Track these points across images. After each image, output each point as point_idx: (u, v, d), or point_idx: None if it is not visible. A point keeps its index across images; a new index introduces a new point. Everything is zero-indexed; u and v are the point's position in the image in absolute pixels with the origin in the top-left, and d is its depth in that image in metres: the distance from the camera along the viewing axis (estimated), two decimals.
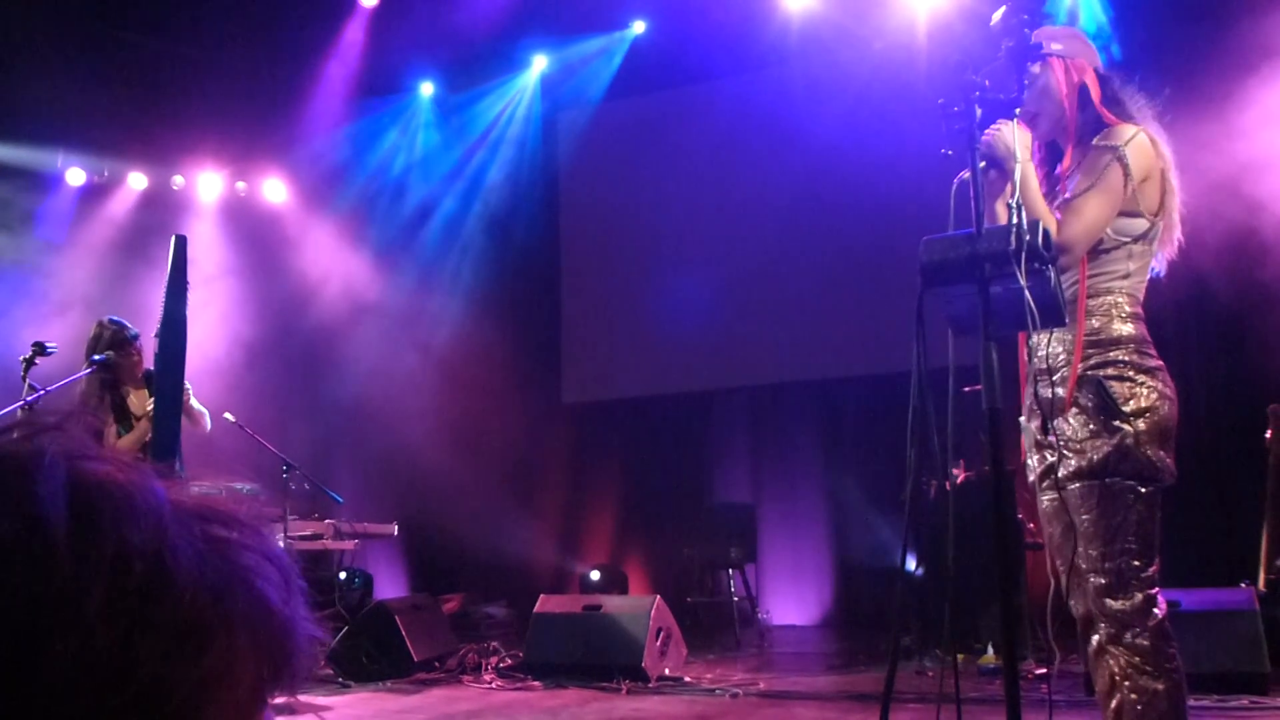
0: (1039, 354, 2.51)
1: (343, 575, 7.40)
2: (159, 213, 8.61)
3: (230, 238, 8.98)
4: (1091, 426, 2.40)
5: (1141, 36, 6.67)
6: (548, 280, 9.48)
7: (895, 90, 7.22)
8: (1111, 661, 2.36)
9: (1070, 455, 2.43)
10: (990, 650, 5.47)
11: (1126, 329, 2.44)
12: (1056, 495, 2.52)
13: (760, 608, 7.90)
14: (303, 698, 4.99)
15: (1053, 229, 2.39)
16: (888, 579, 7.24)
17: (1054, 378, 2.50)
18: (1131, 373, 2.40)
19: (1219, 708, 4.23)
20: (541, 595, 6.16)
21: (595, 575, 8.23)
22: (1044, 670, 4.85)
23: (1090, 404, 2.41)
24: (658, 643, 5.60)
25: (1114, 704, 2.39)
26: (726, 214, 8.59)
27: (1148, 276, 2.54)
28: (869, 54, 7.77)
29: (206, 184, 9.05)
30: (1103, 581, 2.36)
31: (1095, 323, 2.45)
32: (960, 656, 5.10)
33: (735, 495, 8.44)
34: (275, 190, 9.33)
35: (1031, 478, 2.63)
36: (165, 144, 8.55)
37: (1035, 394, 2.49)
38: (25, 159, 8.22)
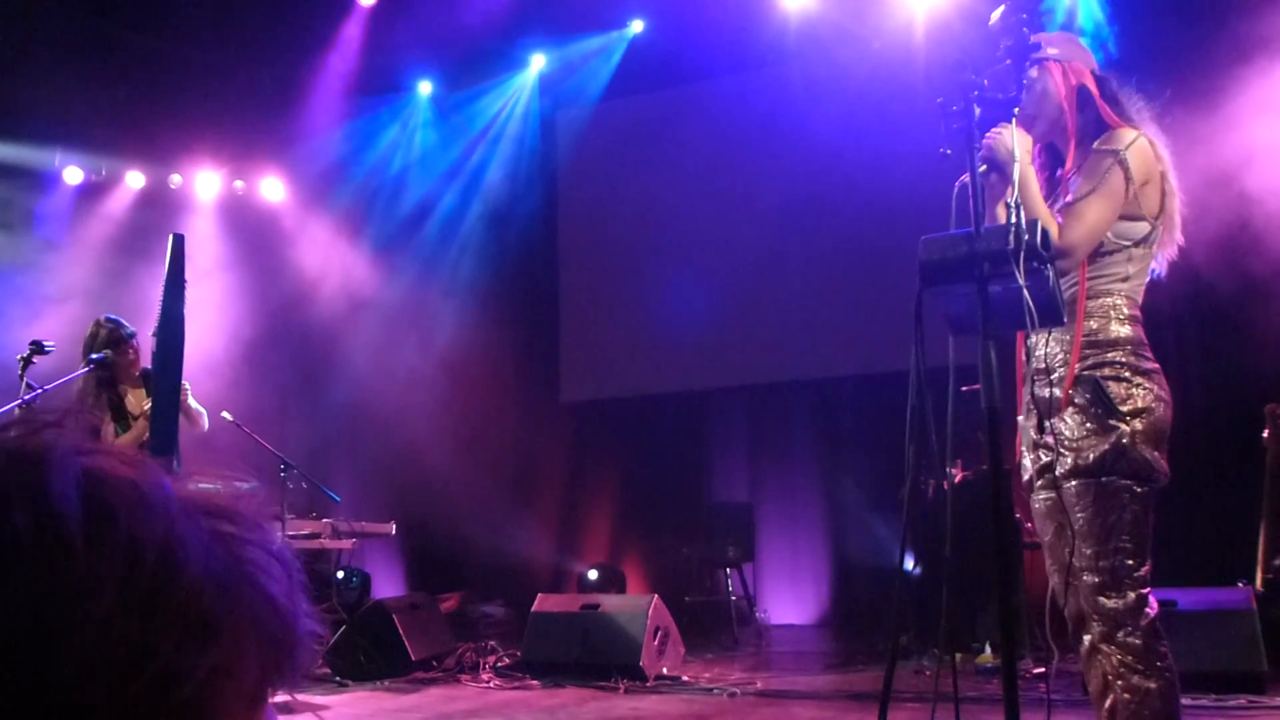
0: (1037, 354, 2.52)
1: (340, 574, 7.40)
2: (157, 211, 8.60)
3: (228, 236, 8.97)
4: (1089, 426, 2.41)
5: (1137, 30, 6.68)
6: (546, 279, 9.48)
7: (894, 89, 7.23)
8: (1104, 661, 2.37)
9: (1067, 454, 2.44)
10: (988, 649, 5.48)
11: (1124, 331, 2.45)
12: (1051, 495, 2.53)
13: (758, 607, 7.90)
14: (301, 697, 4.99)
15: (1054, 232, 2.39)
16: (886, 578, 7.24)
17: (1051, 377, 2.51)
18: (1128, 374, 2.42)
19: (1217, 707, 4.23)
20: (539, 594, 6.16)
21: (593, 574, 8.23)
22: (1042, 669, 4.86)
23: (1087, 403, 2.42)
24: (655, 642, 5.60)
25: (1107, 704, 2.39)
26: (725, 213, 8.59)
27: (1147, 279, 2.55)
28: (867, 53, 7.77)
29: (204, 182, 9.04)
30: (1096, 579, 2.37)
31: (1093, 324, 2.46)
32: (958, 656, 5.11)
33: (733, 494, 8.45)
34: (273, 189, 9.33)
35: (1026, 477, 2.64)
36: (163, 142, 8.55)
37: (1032, 393, 2.50)
38: (23, 158, 8.21)
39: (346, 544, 6.55)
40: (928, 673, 5.34)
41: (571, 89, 9.25)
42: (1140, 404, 2.40)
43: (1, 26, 7.30)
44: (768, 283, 8.34)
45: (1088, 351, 2.45)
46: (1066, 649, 2.55)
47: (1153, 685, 2.31)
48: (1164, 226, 2.53)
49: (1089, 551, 2.38)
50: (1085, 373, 2.44)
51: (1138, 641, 2.32)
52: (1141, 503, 2.38)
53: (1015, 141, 2.36)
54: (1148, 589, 2.37)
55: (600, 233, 9.21)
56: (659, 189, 8.86)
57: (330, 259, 9.07)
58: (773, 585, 8.19)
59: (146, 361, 4.63)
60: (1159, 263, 2.58)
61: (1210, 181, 5.23)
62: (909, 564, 5.87)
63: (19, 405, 4.25)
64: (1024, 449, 2.66)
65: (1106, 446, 2.38)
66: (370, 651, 5.80)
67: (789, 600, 8.10)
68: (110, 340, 4.68)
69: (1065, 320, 2.39)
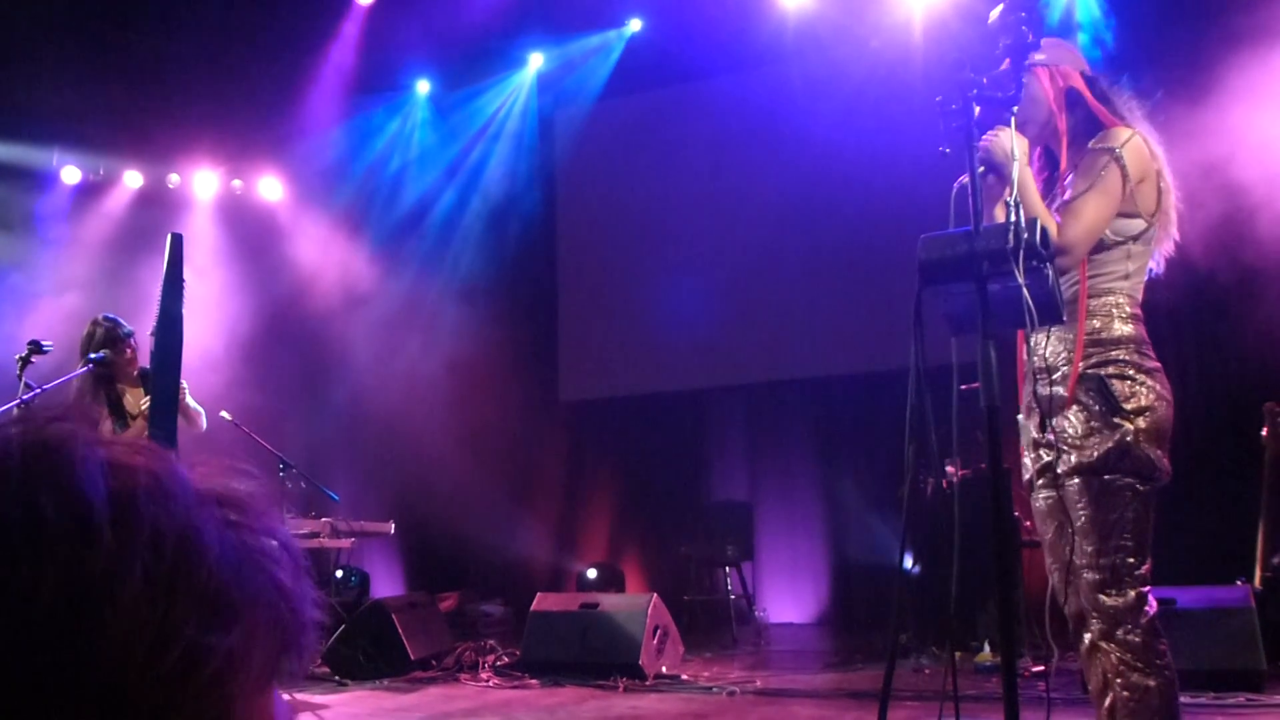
0: (1038, 353, 2.52)
1: (339, 574, 7.40)
2: (155, 210, 8.60)
3: (226, 236, 8.96)
4: (1092, 424, 2.42)
5: (1133, 23, 6.69)
6: (545, 278, 9.48)
7: (892, 88, 7.23)
8: (1103, 659, 2.37)
9: (1070, 452, 2.44)
10: (987, 648, 5.48)
11: (1127, 329, 2.46)
12: (1052, 494, 2.53)
13: (757, 605, 7.91)
14: (300, 696, 4.99)
15: (1053, 230, 2.40)
16: (885, 577, 7.24)
17: (1054, 376, 2.51)
18: (1132, 371, 2.42)
19: (1215, 705, 4.23)
20: (538, 593, 6.16)
21: (592, 573, 8.23)
22: (1041, 668, 4.86)
23: (1091, 401, 2.42)
24: (655, 641, 5.60)
25: (1107, 702, 2.39)
26: (723, 212, 8.59)
27: (1145, 277, 2.56)
28: (866, 52, 7.77)
29: (202, 182, 9.03)
30: (1097, 577, 2.37)
31: (1096, 322, 2.47)
32: (958, 654, 5.11)
33: (732, 493, 8.45)
34: (271, 188, 9.32)
35: (1026, 476, 2.64)
36: (161, 142, 8.54)
37: (1034, 392, 2.50)
38: (20, 157, 8.21)
39: (345, 543, 6.54)
40: (927, 671, 5.34)
41: (570, 88, 9.24)
42: (1144, 402, 2.40)
43: None
44: (767, 281, 8.34)
45: (1091, 350, 2.45)
46: (1066, 647, 2.56)
47: (1152, 683, 2.32)
48: (1160, 224, 2.54)
49: (1090, 549, 2.39)
50: (1090, 371, 2.44)
51: (1137, 639, 2.33)
52: (1143, 501, 2.39)
53: (1014, 141, 2.36)
54: (1148, 587, 2.38)
55: (599, 231, 9.21)
56: (657, 188, 8.86)
57: (329, 258, 9.07)
58: (772, 584, 8.19)
59: (145, 361, 4.63)
60: (1156, 260, 2.59)
61: (1208, 177, 5.23)
62: (908, 563, 5.87)
63: (17, 405, 4.25)
64: (1024, 448, 2.66)
65: (1110, 445, 2.38)
66: (369, 651, 5.80)
67: (788, 599, 8.11)
68: (108, 339, 4.67)
69: (1065, 319, 2.39)
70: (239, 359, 8.10)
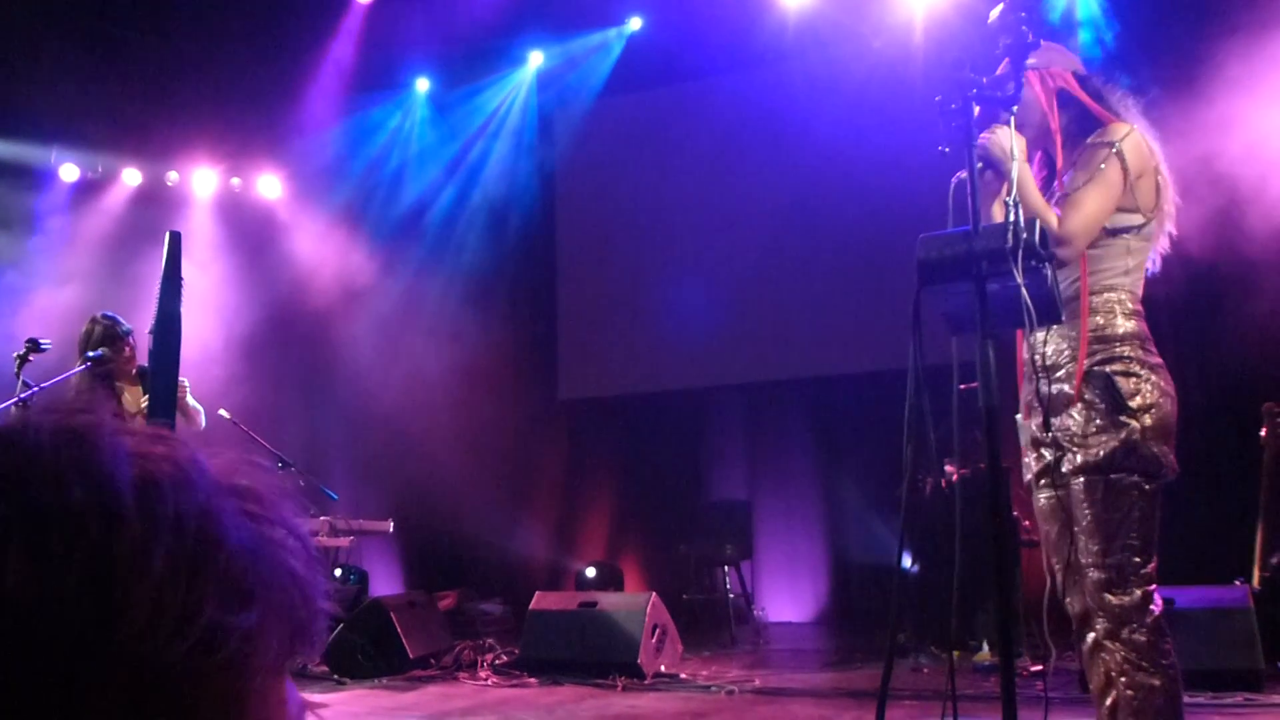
0: (1040, 351, 2.52)
1: (338, 572, 7.39)
2: (153, 208, 8.59)
3: (225, 234, 8.96)
4: (1098, 422, 2.41)
5: (1131, 15, 6.69)
6: (544, 276, 9.47)
7: (892, 88, 7.22)
8: (1107, 657, 2.37)
9: (1075, 450, 2.43)
10: (986, 647, 5.48)
11: (1129, 325, 2.46)
12: (1054, 494, 2.53)
13: (756, 604, 7.90)
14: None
15: (1053, 223, 2.40)
16: (883, 576, 7.24)
17: (1057, 374, 2.50)
18: (1136, 368, 2.42)
19: (1214, 705, 4.24)
20: (537, 592, 6.16)
21: (591, 572, 8.23)
22: (1040, 667, 4.86)
23: (1096, 399, 2.42)
24: (653, 640, 5.60)
25: (1109, 700, 2.39)
26: (723, 211, 8.58)
27: (1145, 273, 2.55)
28: (866, 51, 7.76)
29: (201, 180, 9.03)
30: (1103, 576, 2.37)
31: (1099, 319, 2.46)
32: (956, 653, 5.11)
33: (731, 492, 8.45)
34: (270, 186, 9.31)
35: (1027, 476, 2.63)
36: (159, 140, 8.53)
37: (1036, 391, 2.49)
38: (19, 155, 8.20)
39: (344, 542, 6.55)
40: (925, 670, 5.35)
41: (570, 86, 9.23)
42: (1149, 399, 2.39)
43: None
44: (766, 280, 8.34)
45: (1095, 347, 2.44)
46: (1064, 647, 2.56)
47: (1156, 682, 2.31)
48: (1158, 220, 2.53)
49: (1095, 548, 2.38)
50: (1094, 368, 2.43)
51: (1143, 639, 2.32)
52: (1149, 499, 2.39)
53: (1012, 140, 2.36)
54: (1153, 586, 2.37)
55: (598, 230, 9.20)
56: (657, 187, 8.85)
57: (327, 256, 9.06)
58: (771, 583, 8.19)
59: (143, 359, 4.62)
60: (1153, 259, 2.59)
61: (1206, 172, 5.22)
62: (907, 562, 5.88)
63: (16, 403, 4.24)
64: (1024, 448, 2.65)
65: (1116, 443, 2.37)
66: (368, 649, 5.80)
67: (787, 598, 8.11)
68: (106, 338, 4.67)
69: (1064, 318, 2.39)
70: (237, 357, 8.10)
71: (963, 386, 2.29)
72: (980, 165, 2.33)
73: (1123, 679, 2.34)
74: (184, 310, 3.67)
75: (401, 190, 9.45)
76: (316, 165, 9.20)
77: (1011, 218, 2.15)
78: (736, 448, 8.61)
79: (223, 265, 8.70)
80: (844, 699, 4.84)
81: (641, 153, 8.97)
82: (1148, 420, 2.38)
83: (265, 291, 8.81)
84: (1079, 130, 2.57)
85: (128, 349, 4.75)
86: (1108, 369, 2.42)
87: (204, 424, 4.93)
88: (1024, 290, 2.12)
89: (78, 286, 7.69)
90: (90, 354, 4.58)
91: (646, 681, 5.37)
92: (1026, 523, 5.65)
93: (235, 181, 9.16)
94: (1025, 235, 2.13)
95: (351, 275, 9.05)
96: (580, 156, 9.30)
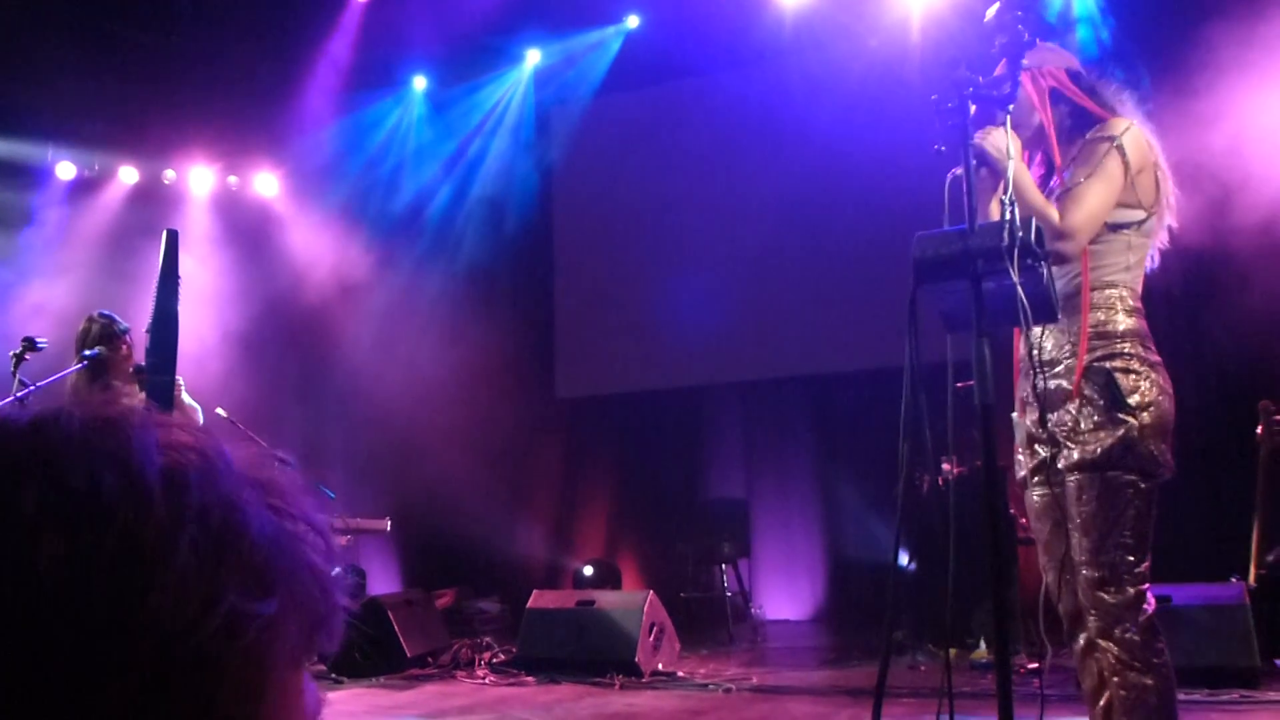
0: (1039, 346, 2.51)
1: (335, 571, 7.38)
2: (150, 207, 8.57)
3: (222, 232, 8.95)
4: (1096, 418, 2.40)
5: (1127, 10, 6.70)
6: (542, 274, 9.47)
7: (889, 86, 7.22)
8: (1100, 657, 2.37)
9: (1072, 446, 2.42)
10: (983, 645, 5.49)
11: (1130, 322, 2.45)
12: (1048, 491, 2.53)
13: (753, 603, 7.91)
14: None
15: (1054, 219, 2.39)
16: (881, 574, 7.24)
17: (1057, 369, 2.49)
18: (1137, 365, 2.41)
19: (1210, 701, 4.25)
20: (535, 591, 6.16)
21: (589, 570, 8.23)
22: (1036, 665, 4.87)
23: (1095, 395, 2.41)
24: (651, 638, 5.60)
25: (1103, 701, 2.39)
26: (721, 209, 8.58)
27: (1144, 269, 2.55)
28: (863, 49, 7.77)
29: (198, 178, 9.01)
30: (1096, 574, 2.36)
31: (1100, 315, 2.45)
32: (953, 651, 5.12)
33: (729, 490, 8.45)
34: (267, 184, 9.30)
35: (1021, 473, 2.63)
36: (156, 138, 8.52)
37: (1034, 387, 2.48)
38: (15, 153, 8.18)
39: (341, 540, 6.52)
40: (922, 668, 5.35)
41: (567, 84, 9.23)
42: (1148, 397, 2.39)
43: None
44: (764, 278, 8.34)
45: (1096, 343, 2.43)
46: (1060, 645, 2.56)
47: (1149, 681, 2.31)
48: (1158, 215, 2.53)
49: (1089, 546, 2.37)
50: (1095, 364, 2.42)
51: (1135, 638, 2.32)
52: (1144, 498, 2.38)
53: (1009, 139, 2.36)
54: (1146, 585, 2.37)
55: (596, 228, 9.20)
56: (655, 185, 8.85)
57: (324, 254, 9.05)
58: (768, 581, 8.19)
59: (140, 357, 4.61)
60: (1152, 255, 2.58)
61: (1201, 165, 5.21)
62: (904, 559, 5.88)
63: (12, 402, 4.24)
64: (1018, 445, 2.65)
65: (1113, 440, 2.37)
66: (365, 648, 5.80)
67: (784, 596, 8.11)
68: (103, 336, 4.66)
69: (1060, 317, 2.39)
70: (235, 356, 8.09)
71: (959, 385, 2.30)
72: (975, 163, 2.33)
73: (1115, 678, 2.34)
74: (181, 308, 3.67)
75: (399, 188, 9.44)
76: (314, 163, 9.19)
77: (1007, 216, 2.15)
78: (734, 446, 8.61)
79: (220, 263, 8.68)
80: (841, 696, 4.85)
81: (639, 151, 8.97)
82: (1146, 418, 2.37)
83: (262, 290, 8.80)
84: (1074, 126, 2.57)
85: (125, 347, 4.74)
86: (1108, 365, 2.41)
87: (201, 422, 4.92)
88: (1020, 289, 2.12)
89: (74, 285, 7.68)
90: (87, 352, 4.57)
91: (644, 680, 5.38)
92: (1023, 520, 5.65)
93: (232, 179, 9.15)
94: (1021, 234, 2.13)
95: (348, 273, 9.04)
96: (578, 154, 9.30)
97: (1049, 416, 2.48)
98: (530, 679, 5.52)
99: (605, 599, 5.93)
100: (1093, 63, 2.70)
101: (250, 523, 0.50)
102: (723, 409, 8.67)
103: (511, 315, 9.25)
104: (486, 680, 5.58)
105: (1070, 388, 2.45)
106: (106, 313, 4.81)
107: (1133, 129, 2.49)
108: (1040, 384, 2.48)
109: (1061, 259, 2.45)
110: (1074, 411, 2.43)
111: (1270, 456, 5.09)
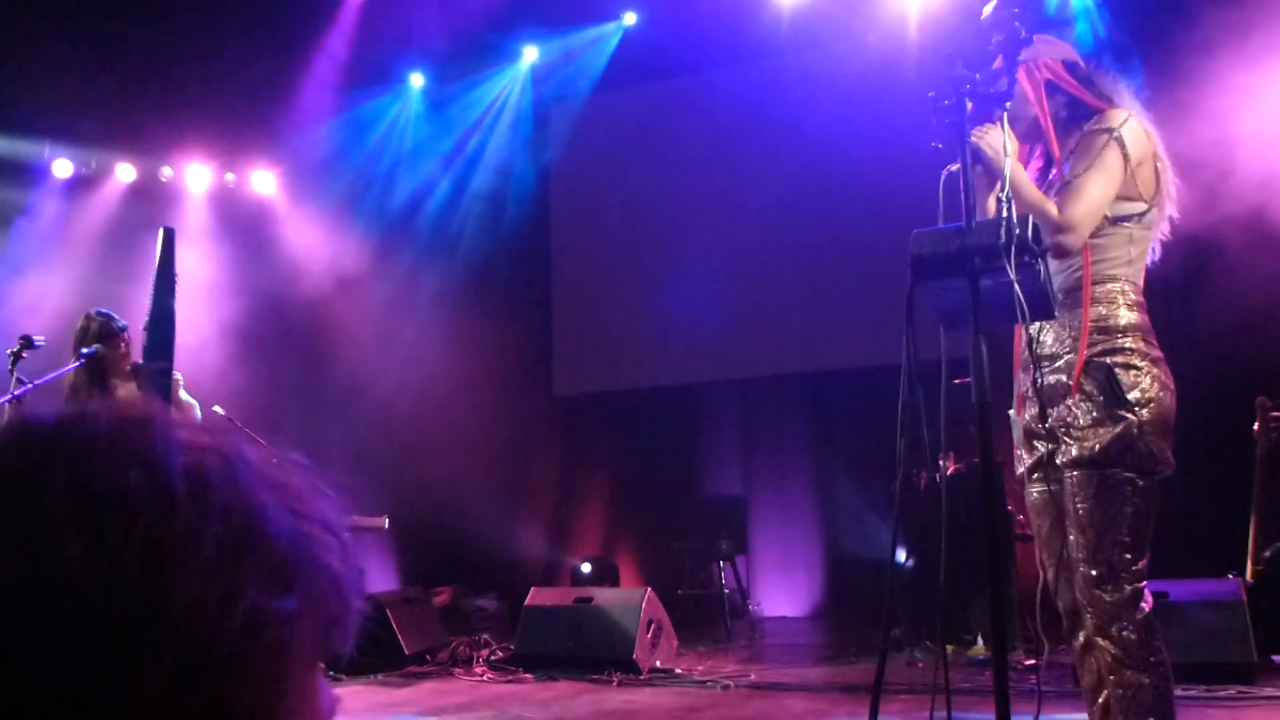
0: (1040, 341, 2.50)
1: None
2: (147, 204, 8.56)
3: (219, 229, 8.93)
4: (1095, 414, 2.39)
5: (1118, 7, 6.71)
6: (539, 272, 9.47)
7: (888, 83, 7.22)
8: (1098, 655, 2.36)
9: (1071, 442, 2.41)
10: (980, 641, 5.50)
11: (1132, 317, 2.43)
12: (1046, 488, 2.53)
13: (751, 599, 7.92)
14: None
15: (1052, 213, 2.38)
16: (878, 571, 7.25)
17: (1057, 364, 2.48)
18: (1137, 360, 2.40)
19: (1207, 697, 4.26)
20: (532, 588, 6.16)
21: (586, 568, 8.24)
22: (1033, 661, 4.88)
23: (1095, 391, 2.39)
24: (649, 635, 5.61)
25: (1101, 699, 2.39)
26: (718, 206, 8.58)
27: (1146, 263, 2.53)
28: (861, 47, 7.76)
29: (195, 175, 9.00)
30: (1093, 572, 2.36)
31: (1101, 309, 2.43)
32: (950, 648, 5.13)
33: (726, 487, 8.46)
34: (264, 181, 9.29)
35: (1020, 470, 2.63)
36: (153, 135, 8.50)
37: (1034, 382, 2.47)
38: (11, 150, 8.17)
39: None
40: (920, 665, 5.36)
41: (564, 81, 9.22)
42: (1148, 394, 2.37)
43: None
44: (761, 276, 8.34)
45: (1097, 337, 2.42)
46: (1057, 641, 2.56)
47: (1146, 680, 2.30)
48: (1159, 206, 2.51)
49: (1086, 543, 2.36)
50: (1095, 359, 2.41)
51: (1132, 636, 2.31)
52: (1143, 496, 2.36)
53: (1005, 136, 2.35)
54: (1144, 583, 2.36)
55: (593, 226, 9.20)
56: (652, 182, 8.85)
57: (322, 251, 9.04)
58: (766, 578, 8.20)
59: (138, 355, 4.61)
60: (1153, 248, 2.56)
61: (1204, 158, 5.21)
62: (901, 556, 5.89)
63: (9, 400, 4.23)
64: (1017, 442, 2.65)
65: (1112, 436, 2.35)
66: (363, 645, 5.78)
67: (782, 593, 8.12)
68: (101, 334, 4.65)
69: (1066, 307, 2.39)
70: (232, 353, 8.08)
71: (956, 381, 2.30)
72: (971, 161, 2.33)
73: (1112, 677, 2.33)
74: (178, 306, 3.67)
75: (396, 185, 9.42)
76: (311, 160, 9.18)
77: (1003, 214, 2.15)
78: (732, 443, 8.62)
79: (217, 261, 8.67)
80: (839, 693, 4.86)
81: (637, 148, 8.96)
82: (1146, 415, 2.35)
83: (259, 287, 8.79)
84: (1070, 118, 2.55)
85: (122, 345, 4.73)
86: (1109, 360, 2.39)
87: (199, 419, 4.92)
88: (1016, 286, 2.12)
89: (72, 282, 7.66)
90: (85, 350, 4.56)
91: (642, 677, 5.38)
92: (1020, 517, 5.66)
93: (229, 177, 9.13)
94: (1018, 231, 2.13)
95: (345, 270, 9.03)
96: (575, 151, 9.29)
97: (1049, 412, 2.47)
98: (528, 676, 5.52)
99: (603, 596, 5.93)
100: (1089, 55, 2.68)
101: (269, 522, 0.51)
102: (720, 406, 8.67)
103: (509, 312, 9.24)
104: (484, 677, 5.59)
105: (1070, 383, 2.43)
106: (104, 310, 4.80)
107: (1131, 120, 2.47)
108: (1040, 379, 2.47)
109: (1062, 253, 2.43)
110: (1073, 408, 2.42)
111: (1267, 453, 5.10)
